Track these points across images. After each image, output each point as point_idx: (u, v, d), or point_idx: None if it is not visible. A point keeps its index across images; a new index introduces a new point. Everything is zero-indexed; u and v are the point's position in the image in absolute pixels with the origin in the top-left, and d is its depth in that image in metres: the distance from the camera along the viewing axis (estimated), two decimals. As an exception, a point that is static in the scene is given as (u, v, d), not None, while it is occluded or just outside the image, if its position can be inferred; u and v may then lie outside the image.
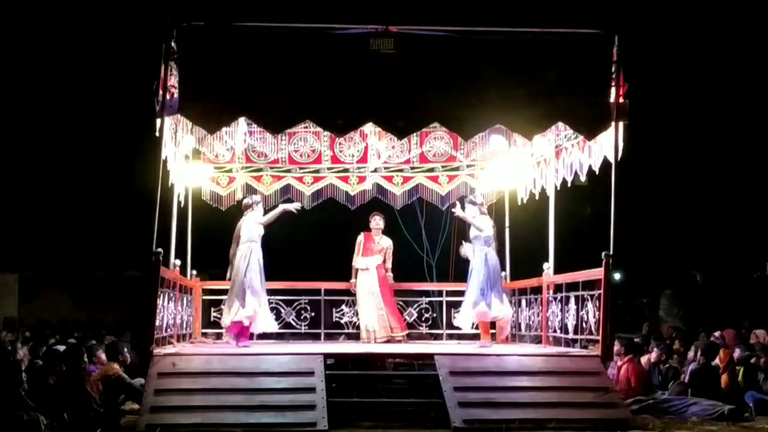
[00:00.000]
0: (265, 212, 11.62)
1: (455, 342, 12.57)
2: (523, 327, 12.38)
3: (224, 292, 11.65)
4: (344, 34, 9.75)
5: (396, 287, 12.97)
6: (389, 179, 13.39)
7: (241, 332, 11.14)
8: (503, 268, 12.63)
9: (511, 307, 11.97)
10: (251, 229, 11.34)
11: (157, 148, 9.58)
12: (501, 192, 13.15)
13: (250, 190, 13.15)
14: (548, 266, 11.66)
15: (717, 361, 11.55)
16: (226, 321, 11.30)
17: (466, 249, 11.71)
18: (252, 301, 11.06)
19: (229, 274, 11.45)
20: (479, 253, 11.45)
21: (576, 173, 11.14)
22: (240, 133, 11.92)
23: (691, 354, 11.73)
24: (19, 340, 15.05)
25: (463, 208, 11.68)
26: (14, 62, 20.52)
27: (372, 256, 12.66)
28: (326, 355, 9.82)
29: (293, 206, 11.81)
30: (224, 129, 11.19)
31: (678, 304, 18.78)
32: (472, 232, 11.59)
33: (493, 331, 11.94)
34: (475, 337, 12.12)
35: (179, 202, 11.63)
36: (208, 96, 9.63)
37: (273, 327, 11.73)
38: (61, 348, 11.50)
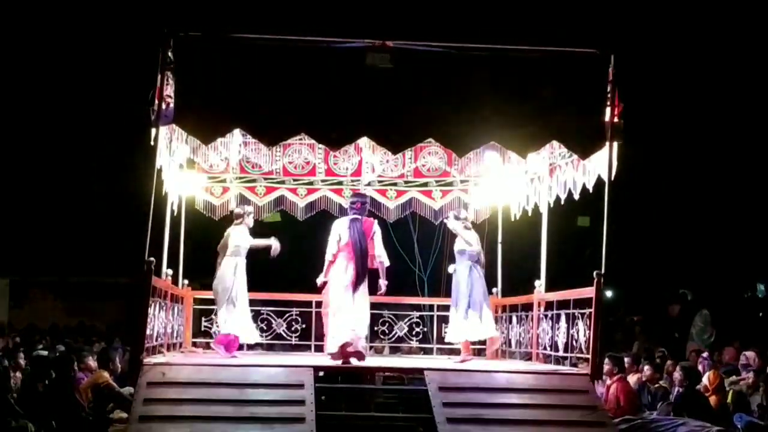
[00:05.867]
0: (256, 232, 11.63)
1: (446, 357, 12.56)
2: (513, 343, 12.38)
3: (215, 302, 11.68)
4: (341, 47, 9.73)
5: (387, 300, 12.90)
6: (383, 193, 13.39)
7: (230, 343, 11.17)
8: (494, 284, 12.66)
9: (496, 326, 11.94)
10: (239, 241, 11.40)
11: (151, 157, 9.59)
12: (494, 208, 13.18)
13: (243, 200, 13.18)
14: (540, 283, 11.66)
15: (706, 382, 11.58)
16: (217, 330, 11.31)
17: (451, 267, 11.76)
18: (238, 315, 11.17)
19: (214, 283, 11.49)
20: (464, 268, 11.47)
21: (570, 191, 11.18)
22: (235, 143, 11.91)
23: (676, 375, 11.73)
24: (9, 346, 15.04)
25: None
26: (11, 67, 20.53)
27: None
28: (316, 368, 9.80)
29: (276, 248, 11.70)
30: (219, 139, 11.19)
31: (713, 326, 18.40)
32: (458, 246, 11.62)
33: (482, 346, 11.99)
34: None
35: (172, 211, 11.62)
36: (204, 106, 9.60)
37: (255, 337, 11.75)
38: (45, 353, 11.53)
